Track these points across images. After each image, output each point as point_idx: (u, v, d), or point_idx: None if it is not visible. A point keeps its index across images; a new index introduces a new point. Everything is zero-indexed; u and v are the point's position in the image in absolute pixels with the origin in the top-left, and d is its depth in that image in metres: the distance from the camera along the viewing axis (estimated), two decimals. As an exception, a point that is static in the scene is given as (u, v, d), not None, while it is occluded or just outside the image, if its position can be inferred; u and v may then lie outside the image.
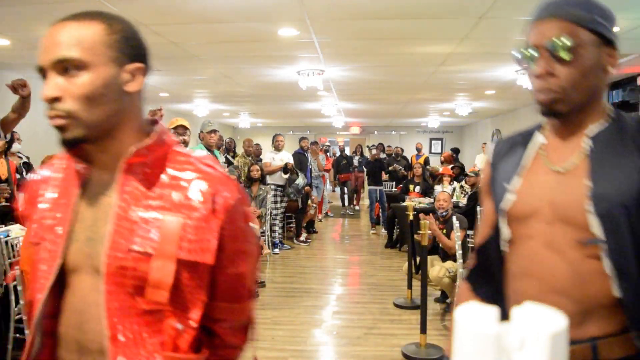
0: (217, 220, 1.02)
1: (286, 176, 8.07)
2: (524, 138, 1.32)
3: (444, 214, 5.28)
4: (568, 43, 1.14)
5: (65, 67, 0.97)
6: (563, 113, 1.18)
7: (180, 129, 4.34)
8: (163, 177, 1.04)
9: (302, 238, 8.73)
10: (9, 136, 3.88)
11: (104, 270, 0.99)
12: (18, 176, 5.43)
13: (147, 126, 1.10)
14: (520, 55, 1.22)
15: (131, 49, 1.03)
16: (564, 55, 1.13)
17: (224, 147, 8.73)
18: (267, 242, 7.47)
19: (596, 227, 1.10)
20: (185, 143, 4.41)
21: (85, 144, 1.03)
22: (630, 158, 1.12)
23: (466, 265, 4.87)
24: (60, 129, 1.00)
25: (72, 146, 1.03)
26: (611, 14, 1.25)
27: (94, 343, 1.02)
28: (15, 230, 4.08)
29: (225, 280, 1.09)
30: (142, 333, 1.00)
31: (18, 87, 3.59)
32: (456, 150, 12.96)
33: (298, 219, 8.76)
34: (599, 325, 1.15)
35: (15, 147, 5.59)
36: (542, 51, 1.16)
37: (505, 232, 1.27)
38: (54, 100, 1.00)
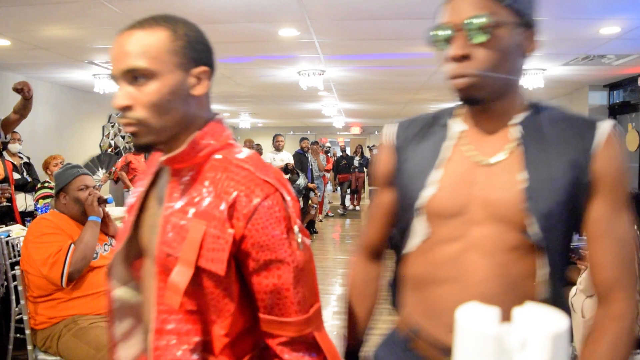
0: (234, 229, 1.00)
1: (287, 176, 8.08)
2: (435, 123, 1.19)
3: None
4: (485, 21, 1.00)
5: (135, 76, 1.00)
6: (480, 99, 1.06)
7: None
8: (201, 182, 1.05)
9: None
10: (9, 137, 3.89)
11: (155, 259, 1.05)
12: (18, 176, 5.43)
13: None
14: (434, 37, 1.08)
15: (196, 52, 1.04)
16: (480, 36, 1.00)
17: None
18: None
19: (534, 226, 1.02)
20: None
21: (156, 147, 1.06)
22: (561, 151, 1.04)
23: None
24: (133, 135, 1.03)
25: (145, 151, 1.06)
26: None
27: (148, 324, 1.09)
28: (16, 230, 4.08)
29: (263, 291, 1.05)
30: (183, 328, 1.03)
31: (23, 89, 3.63)
32: None
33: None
34: None
35: (16, 147, 5.60)
36: (458, 31, 1.03)
37: (422, 231, 1.14)
38: (126, 108, 1.01)
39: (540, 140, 1.06)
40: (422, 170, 1.13)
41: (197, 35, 1.06)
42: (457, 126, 1.15)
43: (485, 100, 1.07)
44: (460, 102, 1.11)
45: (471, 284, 1.06)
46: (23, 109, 3.87)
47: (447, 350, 1.04)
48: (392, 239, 1.24)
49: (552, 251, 1.04)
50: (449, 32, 1.04)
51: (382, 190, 1.26)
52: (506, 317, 1.02)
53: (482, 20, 0.99)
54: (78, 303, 2.65)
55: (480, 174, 1.08)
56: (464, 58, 1.02)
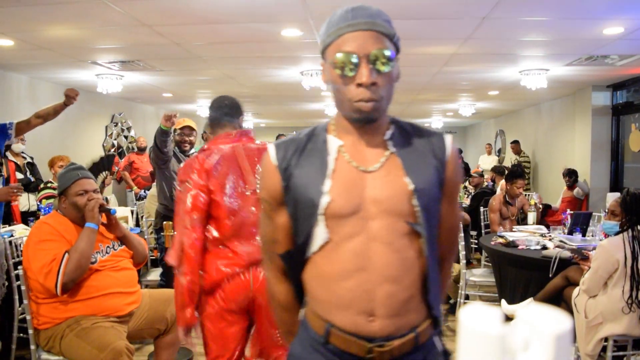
0: None
1: None
2: (313, 140, 1.35)
3: None
4: (389, 55, 1.22)
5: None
6: (376, 119, 1.27)
7: (187, 130, 4.35)
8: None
9: None
10: (16, 139, 3.91)
11: None
12: (21, 176, 5.44)
13: None
14: (340, 62, 1.22)
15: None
16: (386, 67, 1.22)
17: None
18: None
19: (420, 217, 1.25)
20: (191, 144, 4.42)
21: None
22: (427, 159, 1.30)
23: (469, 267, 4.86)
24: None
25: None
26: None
27: None
28: (19, 230, 4.09)
29: None
30: None
31: (73, 97, 3.77)
32: (459, 150, 12.94)
33: None
34: (417, 313, 1.30)
35: (19, 147, 5.61)
36: (364, 61, 1.20)
37: (323, 235, 1.28)
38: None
39: (409, 151, 1.30)
40: (314, 182, 1.28)
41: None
42: (335, 142, 1.32)
43: (377, 120, 1.28)
44: (346, 119, 1.31)
45: (377, 269, 1.24)
46: (52, 115, 3.95)
47: (369, 338, 1.24)
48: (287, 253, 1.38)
49: (430, 236, 1.28)
50: (356, 60, 1.20)
51: (275, 211, 1.37)
52: (406, 298, 1.27)
53: (388, 53, 1.22)
54: (80, 305, 2.66)
55: (367, 179, 1.27)
56: (372, 85, 1.20)
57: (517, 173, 5.54)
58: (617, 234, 3.26)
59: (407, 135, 1.32)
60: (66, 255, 2.60)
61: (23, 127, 3.97)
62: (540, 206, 5.79)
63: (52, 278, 2.54)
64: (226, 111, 2.44)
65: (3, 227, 4.03)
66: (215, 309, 2.32)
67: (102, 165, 7.72)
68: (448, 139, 1.33)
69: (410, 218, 1.25)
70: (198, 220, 2.19)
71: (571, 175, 7.68)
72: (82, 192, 2.78)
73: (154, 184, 5.57)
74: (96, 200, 2.79)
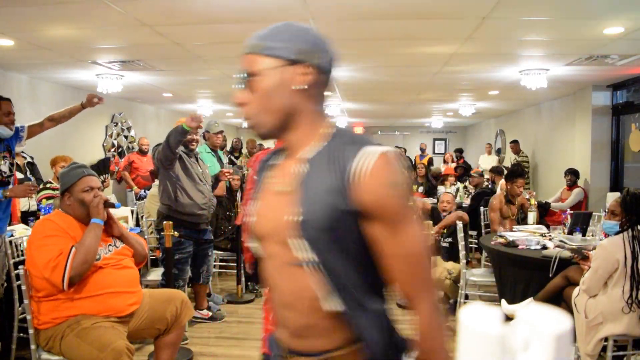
0: None
1: None
2: (274, 156, 1.37)
3: (447, 216, 5.26)
4: (243, 74, 1.22)
5: None
6: (267, 135, 1.25)
7: (196, 129, 4.38)
8: None
9: None
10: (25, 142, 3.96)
11: None
12: (21, 175, 5.44)
13: None
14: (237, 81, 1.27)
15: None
16: (241, 85, 1.23)
17: (226, 148, 8.73)
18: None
19: (305, 248, 1.16)
20: (198, 142, 4.45)
21: None
22: (332, 180, 1.15)
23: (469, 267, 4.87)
24: None
25: None
26: (291, 35, 1.23)
27: None
28: (19, 230, 4.09)
29: None
30: None
31: (97, 102, 3.84)
32: (460, 150, 12.95)
33: None
34: (328, 339, 1.22)
35: (19, 147, 5.60)
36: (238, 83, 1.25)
37: (257, 250, 1.34)
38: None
39: (321, 170, 1.18)
40: (253, 198, 1.34)
41: None
42: (279, 158, 1.33)
43: (273, 136, 1.26)
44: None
45: (275, 293, 1.28)
46: (67, 117, 3.98)
47: (292, 352, 1.27)
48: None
49: (331, 270, 1.16)
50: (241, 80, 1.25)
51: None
52: (303, 325, 1.22)
53: (248, 71, 1.21)
54: (81, 304, 2.66)
55: (275, 202, 1.24)
56: (242, 104, 1.23)
57: (517, 172, 5.54)
58: (617, 233, 3.26)
59: (329, 151, 1.19)
60: (73, 249, 2.60)
61: (35, 130, 4.00)
62: (535, 200, 5.79)
63: (59, 272, 2.54)
64: None
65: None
66: None
67: (98, 169, 7.73)
68: (364, 154, 1.14)
69: (292, 249, 1.18)
70: None
71: (572, 175, 7.69)
72: (87, 189, 2.80)
73: (154, 183, 5.57)
74: (101, 197, 2.81)
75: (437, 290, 1.24)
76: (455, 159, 12.26)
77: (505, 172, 8.44)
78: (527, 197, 5.65)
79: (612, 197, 5.25)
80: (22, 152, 5.75)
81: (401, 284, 1.22)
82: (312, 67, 1.22)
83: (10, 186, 3.74)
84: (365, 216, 1.15)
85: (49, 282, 2.59)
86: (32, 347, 2.71)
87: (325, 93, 1.30)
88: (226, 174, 5.03)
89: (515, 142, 10.38)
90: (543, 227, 5.13)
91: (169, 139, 4.01)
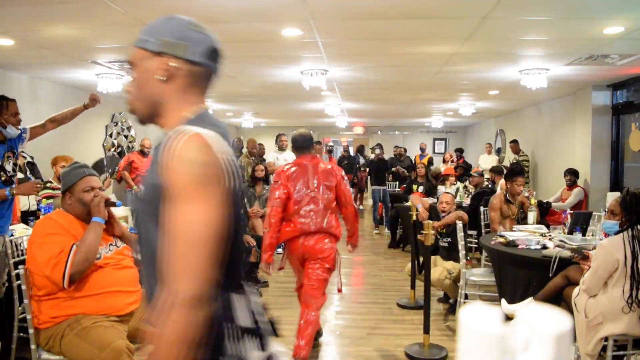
0: None
1: None
2: None
3: (446, 216, 5.25)
4: (129, 61, 1.36)
5: None
6: (142, 121, 1.38)
7: None
8: None
9: None
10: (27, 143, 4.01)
11: None
12: (21, 175, 5.44)
13: None
14: None
15: None
16: (128, 73, 1.43)
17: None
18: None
19: (135, 221, 1.33)
20: None
21: None
22: (156, 156, 1.24)
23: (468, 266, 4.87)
24: None
25: None
26: (161, 28, 1.32)
27: None
28: (19, 230, 4.09)
29: None
30: None
31: (95, 103, 3.92)
32: (460, 150, 12.95)
33: None
34: None
35: (21, 148, 5.60)
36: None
37: None
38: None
39: (155, 158, 1.26)
40: None
41: None
42: None
43: (147, 122, 1.38)
44: None
45: None
46: (69, 118, 4.03)
47: None
48: None
49: (145, 247, 1.29)
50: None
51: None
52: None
53: (129, 60, 1.37)
54: (81, 302, 2.66)
55: None
56: (126, 92, 1.38)
57: (517, 171, 5.54)
58: (617, 233, 3.26)
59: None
60: (74, 247, 2.61)
61: (37, 132, 4.05)
62: (534, 199, 5.79)
63: (59, 269, 2.55)
64: (307, 144, 4.00)
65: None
66: (287, 254, 3.99)
67: (104, 166, 7.73)
68: (176, 131, 1.18)
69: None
70: (279, 203, 3.77)
71: (572, 175, 7.69)
72: (88, 189, 2.81)
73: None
74: (102, 196, 2.82)
75: (196, 285, 1.11)
76: (455, 159, 12.26)
77: (505, 171, 8.45)
78: (527, 194, 5.65)
79: (612, 197, 5.25)
80: (22, 151, 5.75)
81: (160, 264, 1.14)
82: (175, 59, 1.30)
83: (14, 185, 3.77)
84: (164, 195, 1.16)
85: (49, 279, 2.60)
86: (32, 346, 2.71)
87: (206, 82, 1.38)
88: None
89: (514, 142, 10.37)
90: (543, 226, 5.12)
91: None
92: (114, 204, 2.92)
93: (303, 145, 3.99)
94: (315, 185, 3.81)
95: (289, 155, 8.32)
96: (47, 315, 2.67)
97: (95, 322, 2.61)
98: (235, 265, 1.29)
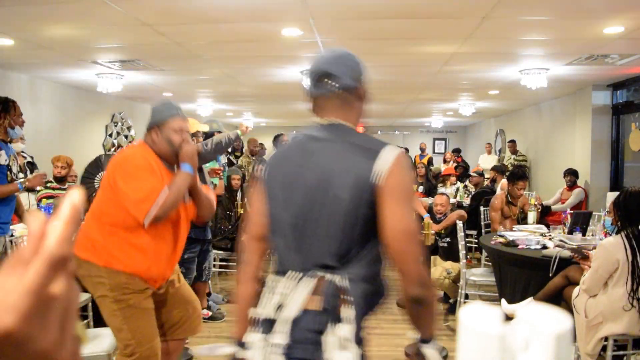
0: None
1: None
2: None
3: (441, 218, 5.22)
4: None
5: None
6: None
7: (198, 134, 4.47)
8: None
9: None
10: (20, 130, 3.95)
11: None
12: (21, 175, 5.44)
13: None
14: None
15: None
16: None
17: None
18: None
19: None
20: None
21: None
22: None
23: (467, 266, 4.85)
24: None
25: None
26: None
27: None
28: (19, 230, 4.09)
29: None
30: None
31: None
32: (457, 150, 12.96)
33: None
34: None
35: (19, 146, 5.61)
36: None
37: None
38: None
39: None
40: None
41: None
42: None
43: None
44: None
45: None
46: None
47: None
48: None
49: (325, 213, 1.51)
50: None
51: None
52: None
53: None
54: (128, 253, 2.49)
55: None
56: None
57: (519, 175, 5.54)
58: (617, 232, 3.27)
59: None
60: (166, 189, 2.44)
61: None
62: (540, 206, 5.80)
63: (146, 207, 2.38)
64: None
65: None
66: None
67: (101, 163, 7.71)
68: (386, 149, 1.52)
69: None
70: None
71: (572, 175, 7.69)
72: (179, 130, 2.61)
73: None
74: (195, 146, 2.65)
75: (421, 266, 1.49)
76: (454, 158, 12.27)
77: (506, 171, 8.45)
78: (535, 202, 5.64)
79: (612, 197, 5.24)
80: (22, 151, 5.75)
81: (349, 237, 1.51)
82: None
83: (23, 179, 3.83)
84: None
85: (129, 211, 2.43)
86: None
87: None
88: (218, 172, 5.04)
89: (512, 142, 10.40)
90: (543, 226, 5.12)
91: (219, 145, 4.02)
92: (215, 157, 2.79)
93: None
94: None
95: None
96: (94, 240, 2.48)
97: (140, 301, 2.48)
98: None
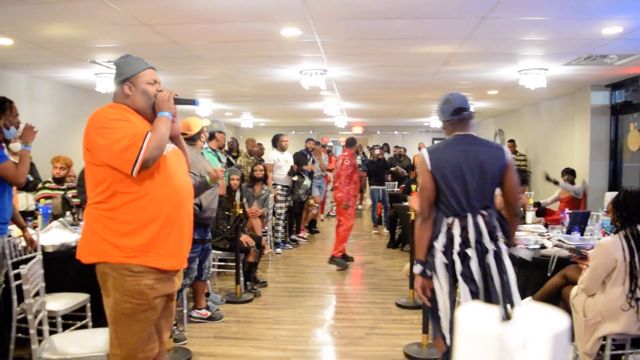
0: None
1: (294, 178, 8.17)
2: None
3: None
4: None
5: None
6: None
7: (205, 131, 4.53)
8: None
9: (302, 234, 9.15)
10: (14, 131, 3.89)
11: None
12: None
13: None
14: None
15: None
16: None
17: (226, 147, 8.73)
18: (269, 241, 7.48)
19: None
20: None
21: None
22: None
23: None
24: None
25: None
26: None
27: None
28: (17, 231, 4.08)
29: None
30: None
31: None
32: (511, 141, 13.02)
33: (299, 218, 9.03)
34: None
35: (17, 146, 5.58)
36: None
37: None
38: None
39: None
40: None
41: None
42: None
43: None
44: None
45: None
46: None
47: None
48: None
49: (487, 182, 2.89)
50: None
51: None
52: None
53: None
54: (135, 228, 2.36)
55: None
56: None
57: (520, 179, 5.54)
58: (615, 232, 3.28)
59: None
60: (149, 134, 2.36)
61: None
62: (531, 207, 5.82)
63: (134, 151, 2.28)
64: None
65: None
66: None
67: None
68: (490, 143, 2.76)
69: None
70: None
71: (569, 174, 7.71)
72: (152, 82, 2.56)
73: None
74: (170, 91, 2.57)
75: None
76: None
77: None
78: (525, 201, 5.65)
79: (611, 197, 5.24)
80: (19, 152, 5.73)
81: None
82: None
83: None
84: None
85: (116, 164, 2.31)
86: (33, 347, 2.70)
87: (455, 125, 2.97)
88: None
89: (512, 142, 10.42)
90: (541, 226, 5.12)
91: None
92: (192, 102, 2.77)
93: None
94: None
95: (289, 156, 8.34)
96: (100, 236, 2.36)
97: (147, 310, 2.37)
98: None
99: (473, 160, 2.77)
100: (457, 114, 2.84)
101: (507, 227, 2.84)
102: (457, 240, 2.70)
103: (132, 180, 2.33)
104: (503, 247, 2.75)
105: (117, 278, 2.32)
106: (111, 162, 2.32)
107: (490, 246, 2.69)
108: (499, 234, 2.76)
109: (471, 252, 2.67)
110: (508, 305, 2.60)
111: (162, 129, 2.42)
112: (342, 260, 6.99)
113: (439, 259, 2.71)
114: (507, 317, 2.00)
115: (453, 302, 2.72)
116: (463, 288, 2.66)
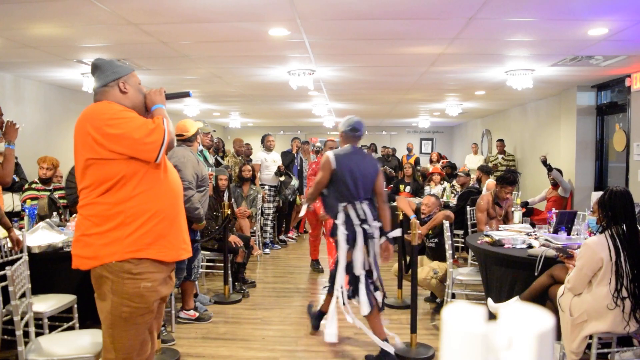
0: None
1: (281, 179, 8.15)
2: None
3: (426, 219, 5.22)
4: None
5: None
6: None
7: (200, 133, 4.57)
8: None
9: (291, 235, 9.13)
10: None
11: None
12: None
13: None
14: None
15: None
16: None
17: (213, 147, 8.70)
18: (257, 242, 7.46)
19: None
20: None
21: None
22: None
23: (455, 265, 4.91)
24: None
25: None
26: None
27: None
28: (2, 232, 4.04)
29: None
30: None
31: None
32: (439, 154, 13.09)
33: (288, 218, 8.96)
34: None
35: (3, 146, 5.53)
36: None
37: None
38: None
39: None
40: None
41: None
42: None
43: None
44: None
45: None
46: None
47: None
48: None
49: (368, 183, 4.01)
50: None
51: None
52: None
53: None
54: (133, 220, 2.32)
55: None
56: None
57: (508, 180, 5.58)
58: (601, 232, 3.30)
59: None
60: (164, 119, 2.36)
61: None
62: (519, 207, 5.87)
63: (158, 135, 2.28)
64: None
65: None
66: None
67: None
68: (361, 150, 3.65)
69: None
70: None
71: (546, 165, 7.77)
72: (139, 82, 2.58)
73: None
74: (161, 87, 2.60)
75: None
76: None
77: (492, 172, 8.51)
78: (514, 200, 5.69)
79: (597, 197, 5.30)
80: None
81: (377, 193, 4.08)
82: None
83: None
84: None
85: (138, 151, 2.28)
86: (19, 348, 2.68)
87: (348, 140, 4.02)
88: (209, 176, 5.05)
89: (501, 141, 10.49)
90: (529, 226, 5.16)
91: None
92: (186, 95, 2.75)
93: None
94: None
95: (277, 156, 8.33)
96: (100, 235, 2.31)
97: (145, 313, 2.35)
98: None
99: (360, 165, 3.87)
100: (353, 131, 4.03)
101: (380, 212, 3.93)
102: (354, 215, 3.79)
103: (143, 172, 2.32)
104: (377, 224, 3.87)
105: (115, 281, 2.29)
106: (131, 150, 2.28)
107: (372, 223, 3.80)
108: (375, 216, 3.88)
109: (358, 227, 3.77)
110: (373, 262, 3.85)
111: (167, 116, 2.43)
112: (315, 264, 7.03)
113: (341, 231, 3.77)
114: (370, 275, 3.81)
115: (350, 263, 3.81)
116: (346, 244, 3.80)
